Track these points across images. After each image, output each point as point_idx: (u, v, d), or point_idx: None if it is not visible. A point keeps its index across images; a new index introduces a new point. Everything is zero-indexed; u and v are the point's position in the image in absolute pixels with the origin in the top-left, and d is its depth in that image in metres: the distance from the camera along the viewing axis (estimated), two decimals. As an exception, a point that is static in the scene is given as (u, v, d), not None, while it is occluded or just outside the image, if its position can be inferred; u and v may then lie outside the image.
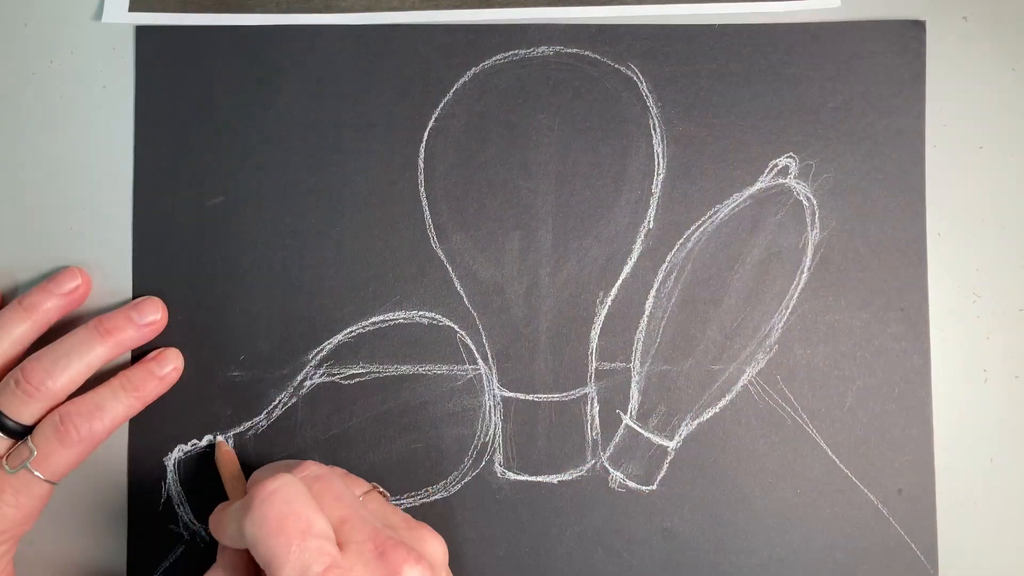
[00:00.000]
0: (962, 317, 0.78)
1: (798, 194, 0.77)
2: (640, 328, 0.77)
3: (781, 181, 0.77)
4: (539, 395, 0.77)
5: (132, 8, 0.79)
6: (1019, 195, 0.78)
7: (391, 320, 0.77)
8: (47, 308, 0.75)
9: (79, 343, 0.73)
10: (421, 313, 0.77)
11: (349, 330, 0.77)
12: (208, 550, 0.76)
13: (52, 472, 0.70)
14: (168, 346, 0.77)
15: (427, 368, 0.77)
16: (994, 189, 0.78)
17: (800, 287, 0.77)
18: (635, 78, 0.78)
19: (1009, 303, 0.78)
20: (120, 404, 0.73)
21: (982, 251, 0.78)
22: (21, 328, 0.74)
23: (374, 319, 0.77)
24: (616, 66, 0.78)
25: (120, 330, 0.74)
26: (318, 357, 0.77)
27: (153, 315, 0.76)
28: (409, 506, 0.76)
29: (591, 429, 0.77)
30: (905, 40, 0.78)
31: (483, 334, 0.77)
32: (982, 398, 0.77)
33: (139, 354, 0.77)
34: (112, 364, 0.76)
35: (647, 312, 0.77)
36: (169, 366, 0.76)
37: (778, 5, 0.78)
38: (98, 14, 0.79)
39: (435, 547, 0.67)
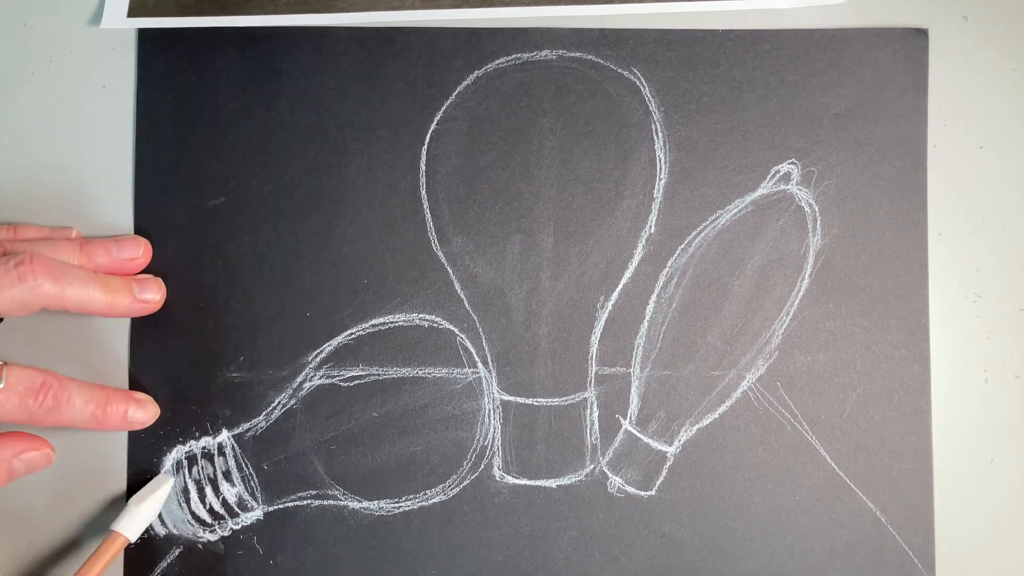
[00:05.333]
0: (962, 317, 0.78)
1: (800, 200, 0.77)
2: (640, 333, 0.77)
3: (783, 187, 0.77)
4: (539, 399, 0.77)
5: (131, 14, 0.78)
6: (1019, 195, 0.78)
7: (391, 323, 0.77)
8: (99, 263, 0.75)
9: (87, 278, 0.71)
10: (421, 316, 0.77)
11: (349, 332, 0.77)
12: (207, 550, 0.76)
13: None
14: (171, 342, 0.77)
15: (427, 371, 0.77)
16: (994, 189, 0.78)
17: (801, 294, 0.77)
18: (638, 83, 0.78)
19: (1009, 303, 0.78)
20: (83, 414, 0.72)
21: (982, 251, 0.78)
22: (72, 263, 0.73)
23: (374, 321, 0.77)
24: (619, 70, 0.78)
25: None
26: (318, 359, 0.77)
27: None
28: (407, 509, 0.76)
29: (590, 434, 0.77)
30: (908, 48, 0.78)
31: (483, 337, 0.77)
32: (982, 398, 0.77)
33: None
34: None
35: (647, 317, 0.77)
36: (142, 415, 0.75)
37: (784, 1, 0.78)
38: (96, 19, 0.79)
39: None
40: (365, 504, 0.76)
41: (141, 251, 0.76)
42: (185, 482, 0.76)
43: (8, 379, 0.68)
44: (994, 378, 0.77)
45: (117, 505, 0.76)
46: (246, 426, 0.77)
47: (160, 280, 0.77)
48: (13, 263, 0.68)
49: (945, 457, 0.76)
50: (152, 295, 0.76)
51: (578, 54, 0.78)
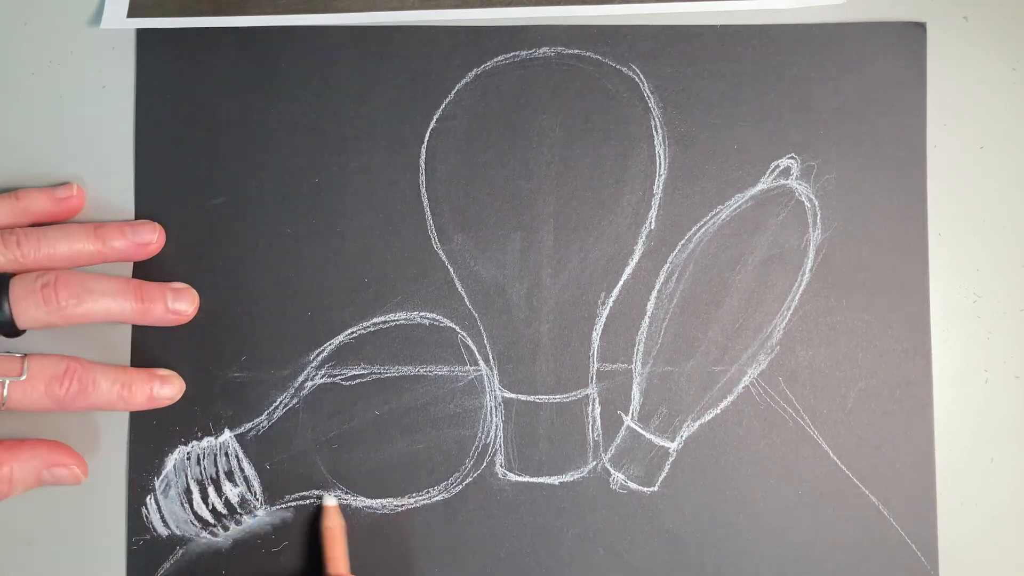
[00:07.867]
0: (962, 317, 0.78)
1: (800, 195, 0.77)
2: (642, 329, 0.77)
3: (783, 182, 0.77)
4: (540, 396, 0.77)
5: (131, 14, 0.78)
6: (1019, 195, 0.78)
7: (392, 321, 0.77)
8: (115, 247, 0.74)
9: (116, 291, 0.72)
10: (422, 314, 0.77)
11: (350, 331, 0.77)
12: (209, 550, 0.76)
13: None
14: (173, 342, 0.77)
15: (428, 369, 0.77)
16: (994, 189, 0.78)
17: (802, 288, 0.77)
18: (636, 79, 0.78)
19: (1009, 303, 0.78)
20: (109, 396, 0.72)
21: (982, 251, 0.78)
22: (87, 249, 0.73)
23: (375, 320, 0.77)
24: (617, 67, 0.78)
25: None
26: (319, 358, 0.77)
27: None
28: (410, 507, 0.76)
29: (592, 430, 0.77)
30: (906, 42, 0.78)
31: (484, 335, 0.77)
32: (982, 398, 0.77)
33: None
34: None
35: (648, 313, 0.77)
36: (168, 391, 0.75)
37: (783, 1, 0.78)
38: (96, 19, 0.79)
39: None
40: (368, 503, 0.76)
41: (156, 236, 0.76)
42: (187, 482, 0.76)
43: (31, 369, 0.69)
44: (994, 378, 0.77)
45: (118, 505, 0.76)
46: (248, 426, 0.77)
47: (194, 292, 0.77)
48: (40, 284, 0.70)
49: (945, 457, 0.76)
50: (185, 307, 0.76)
51: (577, 51, 0.78)
